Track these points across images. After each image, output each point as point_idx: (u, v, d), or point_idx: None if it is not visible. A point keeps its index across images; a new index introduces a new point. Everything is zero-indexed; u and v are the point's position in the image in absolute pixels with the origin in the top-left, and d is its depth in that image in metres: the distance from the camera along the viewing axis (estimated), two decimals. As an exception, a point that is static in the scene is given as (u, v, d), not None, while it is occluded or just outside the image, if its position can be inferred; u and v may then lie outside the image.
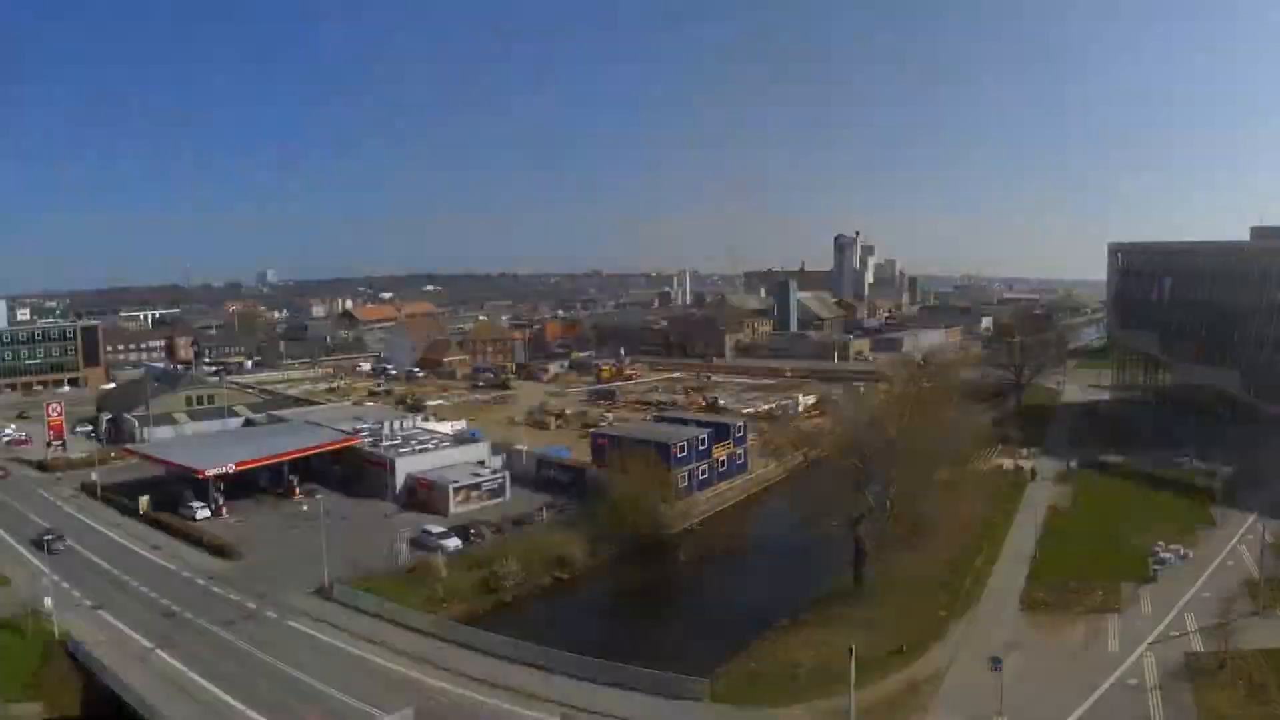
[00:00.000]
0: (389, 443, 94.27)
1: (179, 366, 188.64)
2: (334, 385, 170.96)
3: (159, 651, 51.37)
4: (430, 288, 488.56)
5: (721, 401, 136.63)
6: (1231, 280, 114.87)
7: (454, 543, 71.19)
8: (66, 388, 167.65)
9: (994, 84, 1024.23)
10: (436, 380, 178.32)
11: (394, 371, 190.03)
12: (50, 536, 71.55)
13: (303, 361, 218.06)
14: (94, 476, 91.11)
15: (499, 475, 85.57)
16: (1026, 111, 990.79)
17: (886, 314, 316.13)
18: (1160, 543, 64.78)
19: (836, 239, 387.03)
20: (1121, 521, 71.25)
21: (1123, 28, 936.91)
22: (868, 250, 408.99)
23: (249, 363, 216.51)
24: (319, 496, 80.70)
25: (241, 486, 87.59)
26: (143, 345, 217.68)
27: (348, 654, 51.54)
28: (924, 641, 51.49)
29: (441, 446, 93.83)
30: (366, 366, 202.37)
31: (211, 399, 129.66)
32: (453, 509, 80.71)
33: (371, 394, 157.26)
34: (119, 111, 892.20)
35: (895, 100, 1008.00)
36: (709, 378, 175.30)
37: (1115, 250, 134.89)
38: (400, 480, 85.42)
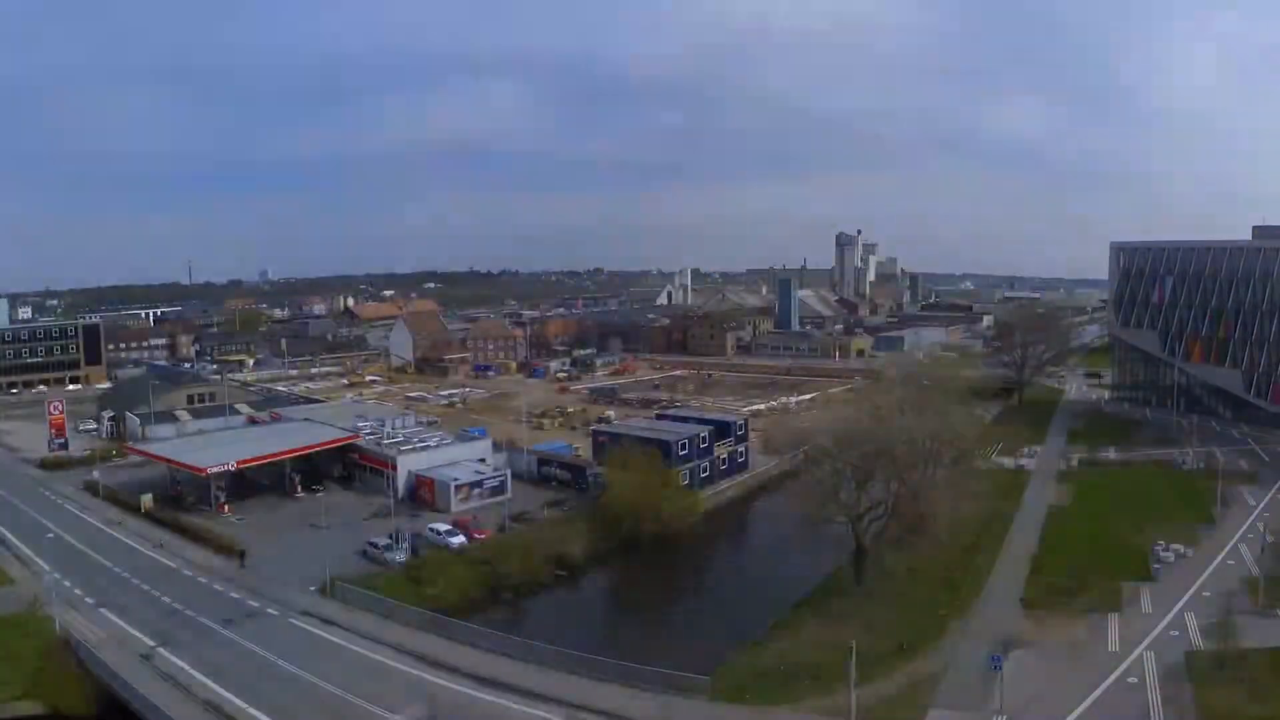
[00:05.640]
0: (391, 440, 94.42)
1: (188, 365, 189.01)
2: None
3: (161, 650, 51.46)
4: (431, 285, 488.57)
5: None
6: (1233, 280, 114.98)
7: (458, 540, 71.37)
8: (69, 386, 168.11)
9: (996, 80, 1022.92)
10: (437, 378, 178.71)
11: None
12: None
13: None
14: (96, 474, 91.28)
15: (501, 473, 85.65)
16: (1027, 108, 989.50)
17: (888, 312, 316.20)
18: (1161, 541, 64.86)
19: (838, 237, 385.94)
20: (1122, 520, 71.29)
21: (1123, 23, 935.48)
22: (869, 248, 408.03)
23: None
24: (320, 494, 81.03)
25: (243, 484, 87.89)
26: (144, 343, 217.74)
27: (350, 652, 51.59)
28: (924, 640, 51.54)
29: (444, 444, 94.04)
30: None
31: (213, 397, 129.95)
32: (454, 506, 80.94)
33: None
34: (119, 109, 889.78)
35: (896, 97, 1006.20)
36: (709, 375, 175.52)
37: (1117, 249, 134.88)
38: (402, 478, 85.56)
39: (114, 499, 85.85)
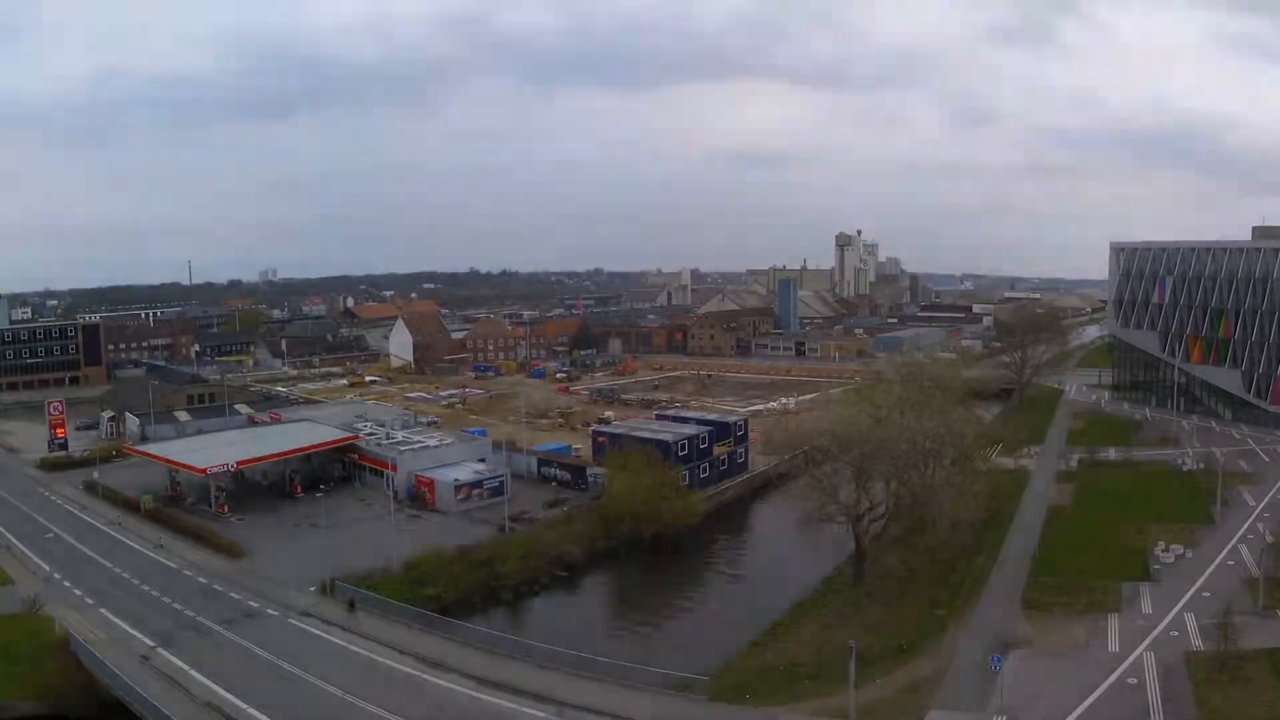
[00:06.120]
0: (391, 441, 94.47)
1: (188, 365, 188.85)
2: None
3: (160, 650, 51.44)
4: (431, 285, 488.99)
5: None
6: (1233, 280, 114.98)
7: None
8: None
9: (995, 80, 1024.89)
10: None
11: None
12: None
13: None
14: (95, 475, 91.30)
15: (500, 473, 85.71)
16: (1026, 108, 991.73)
17: (888, 312, 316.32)
18: (1161, 541, 64.86)
19: (838, 237, 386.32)
20: (1122, 520, 71.28)
21: (1123, 22, 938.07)
22: (870, 248, 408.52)
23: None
24: (320, 495, 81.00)
25: (243, 485, 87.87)
26: (144, 344, 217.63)
27: (350, 652, 51.54)
28: (924, 640, 51.55)
29: (444, 444, 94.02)
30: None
31: (212, 397, 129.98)
32: (454, 507, 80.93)
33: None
34: (122, 107, 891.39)
35: (897, 96, 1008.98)
36: (709, 376, 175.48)
37: (1117, 250, 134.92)
38: (403, 479, 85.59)
39: (114, 499, 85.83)
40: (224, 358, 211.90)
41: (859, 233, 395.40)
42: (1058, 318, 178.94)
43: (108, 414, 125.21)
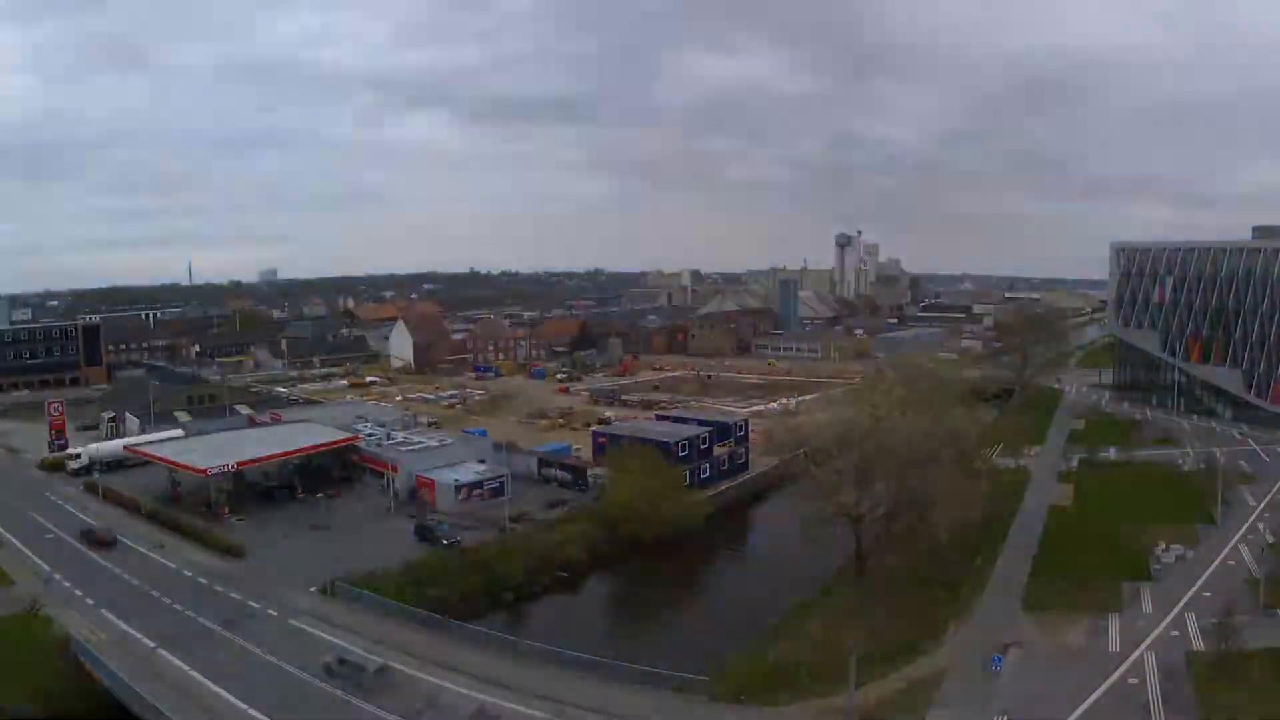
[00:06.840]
0: (391, 441, 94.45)
1: (188, 366, 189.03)
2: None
3: (161, 651, 51.40)
4: (431, 286, 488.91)
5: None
6: (1233, 280, 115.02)
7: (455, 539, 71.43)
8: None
9: (996, 81, 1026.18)
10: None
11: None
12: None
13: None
14: (96, 475, 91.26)
15: (501, 474, 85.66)
16: (1028, 109, 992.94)
17: (888, 312, 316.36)
18: (1161, 541, 64.88)
19: (838, 237, 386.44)
20: (1122, 520, 71.30)
21: (1125, 24, 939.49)
22: (870, 249, 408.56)
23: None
24: (321, 496, 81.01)
25: (244, 486, 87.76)
26: (145, 344, 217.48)
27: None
28: (924, 641, 51.60)
29: (444, 445, 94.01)
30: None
31: (213, 398, 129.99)
32: (454, 507, 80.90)
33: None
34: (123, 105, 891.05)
35: (899, 98, 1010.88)
36: (709, 376, 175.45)
37: (1117, 250, 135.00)
38: (403, 479, 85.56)
39: (114, 500, 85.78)
40: (224, 358, 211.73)
41: (859, 233, 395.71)
42: (1058, 318, 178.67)
43: (108, 415, 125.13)
